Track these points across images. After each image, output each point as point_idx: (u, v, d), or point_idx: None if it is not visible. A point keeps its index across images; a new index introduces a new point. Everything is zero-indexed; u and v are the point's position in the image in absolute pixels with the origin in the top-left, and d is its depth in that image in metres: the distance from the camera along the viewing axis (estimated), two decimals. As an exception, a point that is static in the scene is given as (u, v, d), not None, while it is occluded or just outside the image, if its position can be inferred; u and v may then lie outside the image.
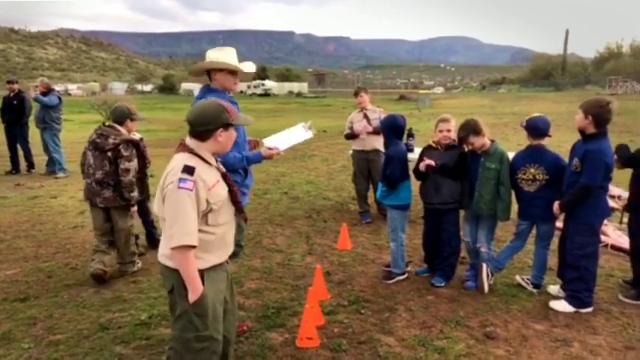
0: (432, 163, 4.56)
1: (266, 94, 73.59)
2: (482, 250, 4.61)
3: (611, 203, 6.30)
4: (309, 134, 4.15)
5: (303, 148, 15.04)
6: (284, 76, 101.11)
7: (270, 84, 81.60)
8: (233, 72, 3.64)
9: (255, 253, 5.64)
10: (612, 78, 50.60)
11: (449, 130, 4.61)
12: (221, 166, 2.71)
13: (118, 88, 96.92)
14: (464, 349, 3.58)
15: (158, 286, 4.70)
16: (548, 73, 69.53)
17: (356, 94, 7.04)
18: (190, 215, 2.42)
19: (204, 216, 2.52)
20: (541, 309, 4.22)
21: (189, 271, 2.48)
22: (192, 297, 2.51)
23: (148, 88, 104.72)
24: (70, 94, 72.83)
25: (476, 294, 4.51)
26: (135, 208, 5.09)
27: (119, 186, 4.86)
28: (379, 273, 5.02)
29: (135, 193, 4.95)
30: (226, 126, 2.62)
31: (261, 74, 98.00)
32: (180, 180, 2.42)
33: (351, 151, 7.32)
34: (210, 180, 2.54)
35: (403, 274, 4.90)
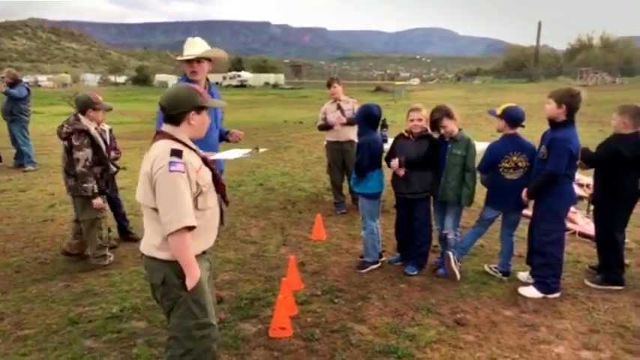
0: (396, 164, 4.62)
1: (242, 86, 72.96)
2: (450, 236, 4.70)
3: (580, 191, 6.46)
4: (253, 155, 3.90)
5: (279, 140, 15.01)
6: (260, 68, 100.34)
7: (245, 75, 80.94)
8: (187, 61, 3.71)
9: (229, 245, 5.61)
10: (583, 69, 51.56)
11: (420, 120, 4.65)
12: (200, 151, 2.69)
13: (91, 79, 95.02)
14: (434, 335, 3.63)
15: (130, 279, 4.66)
16: (522, 65, 70.52)
17: (329, 85, 7.03)
18: (187, 197, 2.40)
19: (194, 200, 2.49)
20: (510, 295, 4.30)
21: (188, 256, 2.44)
22: (190, 283, 2.46)
23: (121, 79, 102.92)
24: (40, 86, 71.07)
25: (447, 282, 4.58)
26: (97, 201, 4.93)
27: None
28: (353, 263, 5.06)
29: (88, 185, 4.82)
30: (199, 109, 2.59)
31: (237, 65, 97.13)
32: (171, 163, 2.38)
33: (325, 142, 7.32)
34: (196, 163, 2.53)
35: (376, 263, 4.94)
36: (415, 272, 4.75)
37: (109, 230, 5.47)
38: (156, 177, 2.40)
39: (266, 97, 43.39)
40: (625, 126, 4.30)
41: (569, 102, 4.05)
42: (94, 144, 4.90)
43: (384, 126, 7.16)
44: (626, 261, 4.92)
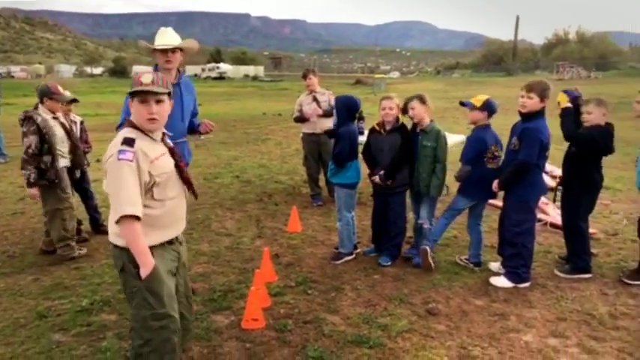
0: (378, 179, 4.69)
1: (221, 78, 72.30)
2: (425, 226, 4.75)
3: (552, 182, 6.56)
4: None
5: (257, 132, 14.94)
6: (240, 60, 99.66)
7: (225, 67, 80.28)
8: (162, 51, 3.68)
9: (203, 237, 5.57)
10: (559, 64, 52.30)
11: (391, 108, 4.64)
12: (168, 141, 2.65)
13: (66, 70, 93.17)
14: (406, 325, 3.66)
15: (102, 272, 4.60)
16: (500, 59, 71.18)
17: (304, 77, 7.00)
18: (132, 186, 2.37)
19: (149, 190, 2.47)
20: (482, 285, 4.36)
21: (139, 245, 2.42)
22: (143, 272, 2.44)
23: (97, 70, 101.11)
24: (12, 77, 69.48)
25: (420, 272, 4.62)
26: (33, 191, 4.77)
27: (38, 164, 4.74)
28: (328, 254, 5.07)
29: (25, 172, 4.69)
30: (132, 95, 2.51)
31: (216, 57, 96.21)
32: (120, 152, 2.38)
33: (301, 134, 7.30)
34: (153, 153, 2.49)
35: (351, 254, 4.96)
36: (389, 263, 4.78)
37: (81, 223, 5.39)
38: (106, 165, 2.43)
39: (245, 90, 43.09)
40: (603, 118, 4.39)
41: (547, 95, 4.13)
42: (40, 132, 4.74)
43: (361, 118, 7.16)
44: (594, 250, 5.04)
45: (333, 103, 5.29)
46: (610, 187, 7.69)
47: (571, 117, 4.40)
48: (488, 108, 4.47)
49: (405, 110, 4.69)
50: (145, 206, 2.44)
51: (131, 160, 2.37)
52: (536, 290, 4.26)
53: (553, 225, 5.84)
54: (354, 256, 4.98)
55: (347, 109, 4.77)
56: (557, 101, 4.55)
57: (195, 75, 77.43)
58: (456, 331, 3.60)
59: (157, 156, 2.50)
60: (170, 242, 2.64)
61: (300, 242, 5.47)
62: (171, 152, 2.63)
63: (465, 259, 4.78)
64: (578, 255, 4.53)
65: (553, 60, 58.75)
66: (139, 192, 2.40)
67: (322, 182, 7.07)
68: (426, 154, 4.60)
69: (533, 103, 4.13)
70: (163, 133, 2.67)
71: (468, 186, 4.59)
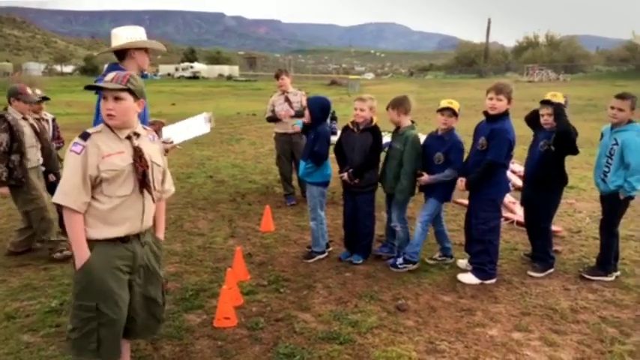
0: (346, 177, 4.78)
1: (195, 77, 71.62)
2: (397, 229, 4.85)
3: (519, 182, 6.74)
4: (206, 128, 3.99)
5: (231, 132, 14.89)
6: (214, 59, 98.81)
7: (199, 66, 79.53)
8: (148, 51, 3.64)
9: (175, 237, 5.56)
10: (529, 66, 53.43)
11: (362, 110, 4.71)
12: (136, 141, 2.65)
13: (35, 68, 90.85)
14: (376, 321, 3.75)
15: (71, 273, 4.47)
16: (472, 61, 72.25)
17: (277, 77, 7.05)
18: (70, 176, 2.48)
19: (98, 184, 2.53)
20: (450, 282, 4.48)
21: (74, 235, 2.52)
22: (77, 262, 2.55)
23: (68, 69, 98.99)
24: (-21, 75, 67.50)
25: (390, 270, 4.71)
26: (3, 190, 4.77)
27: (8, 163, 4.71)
28: (301, 253, 5.12)
29: None
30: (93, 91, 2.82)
31: (190, 56, 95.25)
32: (73, 144, 2.53)
33: (273, 134, 7.34)
34: (107, 149, 2.55)
35: (323, 252, 5.02)
36: (360, 261, 4.87)
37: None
38: None
39: (219, 89, 42.78)
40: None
41: (512, 97, 4.28)
42: (11, 130, 4.70)
43: (334, 118, 7.25)
44: (559, 247, 5.22)
45: (305, 103, 5.35)
46: (575, 186, 7.95)
47: (564, 113, 4.45)
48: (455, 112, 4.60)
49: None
50: (93, 199, 2.54)
51: (78, 153, 2.48)
52: (502, 286, 4.40)
53: (520, 223, 5.99)
54: (326, 254, 5.04)
55: (321, 109, 4.85)
56: (547, 98, 4.61)
57: (169, 74, 76.59)
58: (424, 327, 3.70)
59: (110, 152, 2.55)
60: (123, 240, 2.64)
61: (273, 241, 5.51)
62: (135, 151, 2.63)
63: (439, 257, 4.90)
64: (546, 252, 4.69)
65: (523, 62, 59.91)
66: (78, 183, 2.48)
67: (295, 182, 7.12)
68: (393, 156, 4.73)
69: (502, 104, 4.26)
70: (136, 133, 2.67)
71: (442, 189, 4.62)
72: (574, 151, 4.55)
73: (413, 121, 4.82)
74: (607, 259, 4.51)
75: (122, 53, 3.55)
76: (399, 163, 4.67)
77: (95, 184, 2.53)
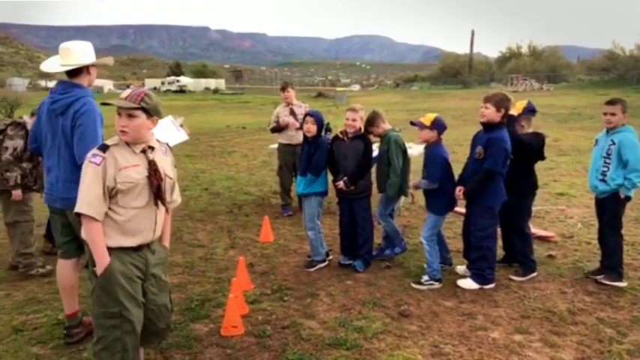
0: (342, 185, 4.88)
1: (181, 91, 71.53)
2: (380, 226, 5.14)
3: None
4: (182, 135, 3.85)
5: (222, 145, 14.95)
6: (200, 73, 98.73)
7: (185, 80, 79.44)
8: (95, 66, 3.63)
9: (176, 249, 5.60)
10: (513, 76, 54.32)
11: (354, 120, 4.87)
12: (150, 155, 2.72)
13: (19, 84, 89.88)
14: (380, 327, 3.82)
15: (87, 286, 4.56)
16: (457, 72, 73.22)
17: (283, 89, 7.15)
18: (92, 186, 2.55)
19: (114, 195, 2.61)
20: (450, 288, 4.57)
21: (95, 242, 2.58)
22: (98, 269, 2.59)
23: (52, 84, 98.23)
24: (-38, 90, 66.69)
25: (392, 277, 4.80)
26: (17, 192, 4.79)
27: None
28: (301, 262, 5.19)
29: (12, 174, 4.73)
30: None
31: (176, 70, 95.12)
32: (92, 155, 2.61)
33: (276, 145, 7.41)
34: (124, 161, 2.63)
35: (324, 261, 5.10)
36: (363, 268, 4.94)
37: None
38: None
39: (207, 102, 42.82)
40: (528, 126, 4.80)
41: (507, 106, 4.39)
42: (27, 138, 4.71)
43: (328, 130, 7.34)
44: (553, 253, 5.35)
45: None
46: (565, 193, 8.13)
47: (512, 123, 4.61)
48: (437, 126, 4.62)
49: (367, 131, 5.06)
50: (110, 209, 2.62)
51: (98, 164, 2.56)
52: (501, 291, 4.50)
53: (541, 238, 5.99)
54: (327, 263, 5.12)
55: (320, 123, 4.97)
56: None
57: (155, 88, 76.29)
58: (428, 331, 3.78)
59: (126, 165, 2.63)
60: (136, 249, 2.72)
61: (274, 251, 5.57)
62: (150, 165, 2.72)
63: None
64: (526, 256, 4.80)
65: (507, 73, 60.90)
66: (99, 194, 2.56)
67: (293, 192, 7.19)
68: (381, 159, 5.03)
69: (489, 112, 4.38)
70: (151, 147, 2.75)
71: (438, 203, 4.68)
72: (535, 157, 4.72)
73: (394, 128, 5.13)
74: (619, 261, 4.59)
75: (78, 69, 3.48)
76: (388, 162, 4.93)
77: (111, 195, 2.61)
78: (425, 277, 4.65)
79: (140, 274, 2.75)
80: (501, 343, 3.59)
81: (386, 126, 5.07)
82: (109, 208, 2.62)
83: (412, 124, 4.76)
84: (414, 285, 4.61)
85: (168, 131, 3.90)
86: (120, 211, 2.64)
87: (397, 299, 4.32)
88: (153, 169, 2.73)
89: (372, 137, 5.10)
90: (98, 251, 2.58)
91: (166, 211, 2.92)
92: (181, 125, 4.10)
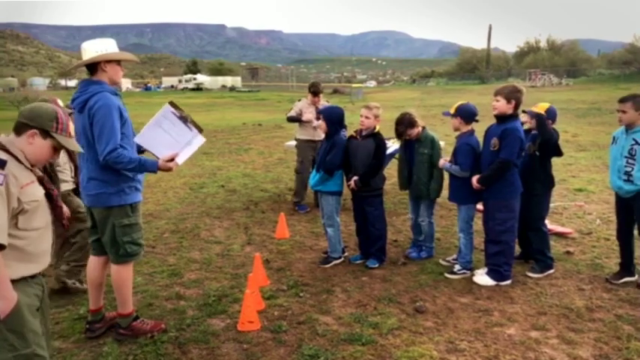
0: (353, 185, 4.89)
1: (198, 89, 72.14)
2: (423, 223, 5.09)
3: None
4: (199, 139, 3.61)
5: (239, 142, 15.04)
6: (217, 70, 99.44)
7: (202, 78, 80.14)
8: (119, 63, 3.62)
9: (193, 246, 5.67)
10: (532, 71, 53.71)
11: (367, 117, 4.88)
12: (37, 171, 2.46)
13: (40, 83, 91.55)
14: (396, 323, 3.83)
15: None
16: (474, 67, 72.64)
17: (315, 94, 7.06)
18: None
19: (14, 217, 2.25)
20: (466, 284, 4.56)
21: (0, 276, 2.16)
22: (4, 307, 2.17)
23: (72, 83, 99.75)
24: (-16, 90, 68.09)
25: (407, 273, 4.80)
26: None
27: None
28: (317, 259, 5.22)
29: None
30: (45, 133, 2.39)
31: (193, 68, 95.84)
32: None
33: (292, 142, 7.43)
34: (23, 178, 2.30)
35: (340, 258, 5.12)
36: (376, 265, 4.95)
37: None
38: None
39: (224, 100, 43.14)
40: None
41: (517, 97, 4.39)
42: None
43: (344, 127, 7.34)
44: (570, 249, 5.30)
45: None
46: (584, 189, 8.03)
47: (544, 122, 4.62)
48: (460, 113, 4.69)
49: (399, 136, 5.05)
50: (8, 234, 2.18)
51: (1, 184, 2.16)
52: (517, 287, 4.48)
53: (558, 233, 5.95)
54: (342, 259, 5.14)
55: (339, 119, 5.01)
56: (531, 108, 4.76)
57: (172, 86, 77.09)
58: (444, 327, 3.78)
59: (26, 182, 2.31)
60: (33, 276, 2.38)
61: (289, 248, 5.61)
62: (40, 181, 2.44)
63: (453, 259, 4.98)
64: (544, 253, 4.76)
65: (525, 67, 60.25)
66: (6, 218, 2.17)
67: (309, 189, 7.21)
68: (422, 160, 4.95)
69: (500, 105, 4.41)
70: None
71: (465, 192, 4.69)
72: (558, 153, 4.77)
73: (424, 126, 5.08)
74: None
75: (94, 67, 3.50)
76: (430, 165, 4.92)
77: (12, 217, 2.23)
78: (457, 267, 4.73)
79: (39, 303, 2.44)
80: (517, 340, 3.58)
81: (419, 128, 5.01)
82: (9, 234, 2.18)
83: (444, 114, 4.94)
84: (447, 275, 4.71)
85: (189, 139, 3.63)
86: (20, 234, 2.27)
87: (413, 295, 4.32)
88: (47, 185, 2.47)
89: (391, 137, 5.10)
90: (3, 287, 2.16)
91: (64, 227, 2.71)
92: (185, 119, 3.60)
